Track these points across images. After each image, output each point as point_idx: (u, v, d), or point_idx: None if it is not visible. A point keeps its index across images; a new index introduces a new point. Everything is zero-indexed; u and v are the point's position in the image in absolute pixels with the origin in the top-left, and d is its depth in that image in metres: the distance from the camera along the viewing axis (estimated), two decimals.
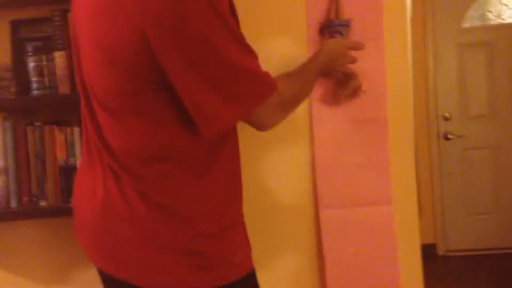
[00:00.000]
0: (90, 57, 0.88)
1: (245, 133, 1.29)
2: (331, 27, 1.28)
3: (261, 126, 0.92)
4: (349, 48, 1.15)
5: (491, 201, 3.50)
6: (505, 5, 3.39)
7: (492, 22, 3.42)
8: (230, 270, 0.91)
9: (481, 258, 3.41)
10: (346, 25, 1.27)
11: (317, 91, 1.29)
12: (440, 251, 3.53)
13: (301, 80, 1.01)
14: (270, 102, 0.87)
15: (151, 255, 0.88)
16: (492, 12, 3.41)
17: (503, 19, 3.40)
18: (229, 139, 0.95)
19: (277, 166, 1.33)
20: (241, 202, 0.98)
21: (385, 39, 1.29)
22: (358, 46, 1.16)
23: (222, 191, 0.92)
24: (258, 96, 0.86)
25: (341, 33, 1.28)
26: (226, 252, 0.91)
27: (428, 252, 3.48)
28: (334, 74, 1.16)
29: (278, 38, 1.32)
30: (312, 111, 1.30)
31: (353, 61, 1.15)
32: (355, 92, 1.24)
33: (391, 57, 1.30)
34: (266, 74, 0.87)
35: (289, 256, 1.34)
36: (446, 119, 3.49)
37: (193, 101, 0.81)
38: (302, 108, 1.30)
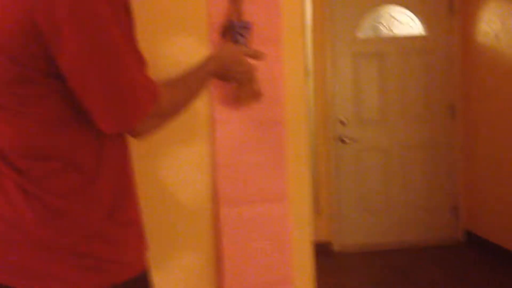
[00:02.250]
0: None
1: None
2: (232, 29, 1.30)
3: (135, 134, 0.90)
4: (246, 55, 1.14)
5: (382, 199, 3.78)
6: (395, 19, 3.69)
7: (383, 34, 3.69)
8: (121, 270, 0.89)
9: (374, 253, 3.66)
10: (247, 27, 1.30)
11: (218, 92, 1.31)
12: (336, 248, 3.74)
13: (184, 89, 0.98)
14: (150, 113, 0.85)
15: (38, 259, 0.83)
16: (383, 24, 3.69)
17: (393, 32, 3.69)
18: (120, 138, 0.92)
19: (177, 166, 1.33)
20: (134, 202, 0.95)
21: (284, 43, 1.34)
22: (256, 55, 1.16)
23: (111, 192, 0.89)
24: (138, 111, 0.83)
25: (243, 36, 1.31)
26: (117, 252, 0.88)
27: (325, 249, 3.68)
28: (232, 80, 1.16)
29: (178, 38, 1.31)
30: (213, 112, 1.32)
31: (250, 69, 1.15)
32: (255, 95, 1.28)
33: (289, 61, 1.35)
34: (150, 85, 0.85)
35: (187, 255, 1.34)
36: (342, 123, 3.71)
37: (83, 99, 0.80)
38: (202, 108, 1.31)
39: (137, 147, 1.23)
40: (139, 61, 0.84)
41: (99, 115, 0.81)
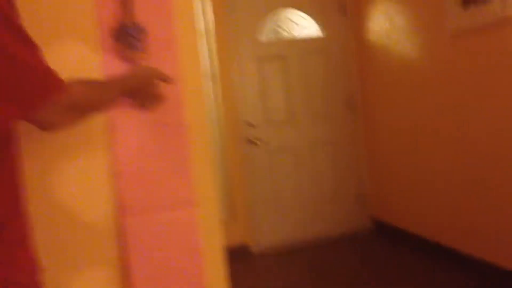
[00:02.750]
0: None
1: (40, 140, 1.17)
2: (125, 32, 1.25)
3: (46, 127, 0.85)
4: (159, 78, 1.17)
5: (295, 198, 3.87)
6: (293, 21, 3.81)
7: (284, 37, 3.80)
8: None
9: (291, 252, 3.73)
10: (141, 30, 1.25)
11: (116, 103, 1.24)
12: (254, 250, 3.76)
13: (102, 91, 0.98)
14: (58, 102, 0.81)
15: None
16: (283, 27, 3.80)
17: (293, 34, 3.82)
18: (7, 152, 0.84)
19: (75, 178, 1.24)
20: (22, 222, 0.87)
21: (179, 46, 1.31)
22: (169, 80, 1.19)
23: None
24: (40, 95, 0.79)
25: (138, 39, 1.26)
26: (6, 274, 0.80)
27: (243, 252, 3.69)
28: (138, 99, 1.18)
29: (69, 45, 1.23)
30: (111, 118, 1.25)
31: (158, 93, 1.20)
32: (155, 100, 1.24)
33: (186, 64, 1.32)
34: (50, 72, 0.81)
35: (92, 271, 1.25)
36: (252, 126, 3.75)
37: None
38: (99, 115, 1.24)
39: (30, 160, 1.14)
40: (34, 48, 0.80)
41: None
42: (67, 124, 0.89)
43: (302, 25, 3.84)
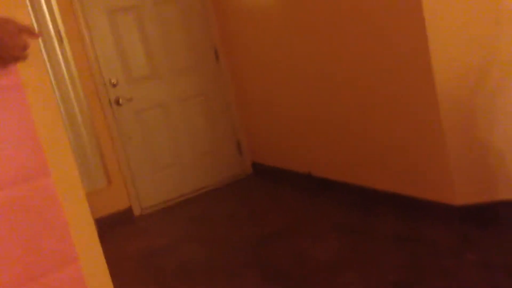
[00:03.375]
0: None
1: None
2: None
3: None
4: (22, 30, 1.03)
5: (170, 154, 3.80)
6: None
7: None
8: None
9: (174, 207, 3.70)
10: None
11: None
12: (137, 212, 3.66)
13: None
14: None
15: None
16: None
17: None
18: None
19: None
20: None
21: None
22: (34, 34, 1.06)
23: None
24: None
25: None
26: None
27: (126, 216, 3.57)
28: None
29: None
30: None
31: (26, 47, 1.04)
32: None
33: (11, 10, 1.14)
34: None
35: None
36: (114, 85, 3.53)
37: None
38: None
39: None
40: None
41: None
42: None
43: None
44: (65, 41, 3.27)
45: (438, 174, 2.35)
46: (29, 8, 3.04)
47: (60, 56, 3.24)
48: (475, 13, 2.11)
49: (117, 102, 3.54)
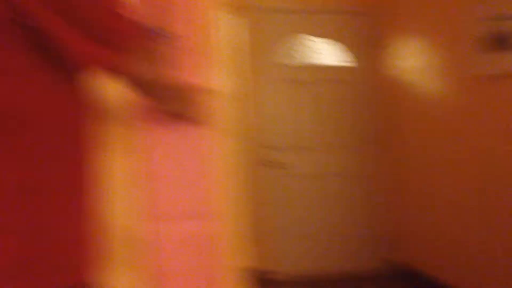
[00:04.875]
0: None
1: None
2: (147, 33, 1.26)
3: (118, 73, 0.89)
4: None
5: (304, 225, 3.78)
6: (325, 50, 3.84)
7: (314, 62, 3.82)
8: None
9: (312, 282, 3.64)
10: (165, 36, 1.27)
11: (149, 105, 1.28)
12: (273, 276, 3.68)
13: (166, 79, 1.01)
14: (137, 49, 0.86)
15: None
16: (314, 54, 3.81)
17: (324, 61, 3.84)
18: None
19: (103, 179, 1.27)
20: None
21: (212, 62, 1.35)
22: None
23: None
24: (126, 38, 0.84)
25: (155, 41, 1.27)
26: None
27: (261, 277, 3.61)
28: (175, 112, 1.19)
29: None
30: (141, 124, 1.28)
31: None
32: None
33: (215, 79, 1.35)
34: (133, 19, 0.87)
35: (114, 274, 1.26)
36: (271, 148, 3.73)
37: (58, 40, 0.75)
38: (123, 118, 1.26)
39: None
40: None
41: (82, 44, 0.76)
42: (143, 81, 0.91)
43: (333, 53, 3.86)
44: (244, 101, 3.60)
45: None
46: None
47: (237, 114, 3.57)
48: None
49: (271, 166, 3.73)
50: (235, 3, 1.35)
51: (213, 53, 1.35)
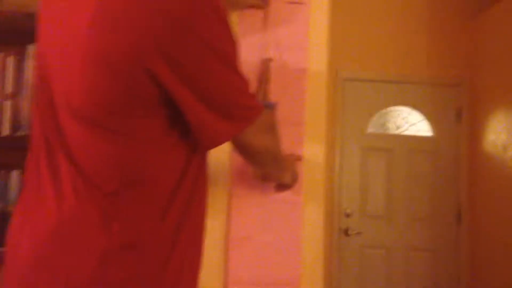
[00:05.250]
0: (73, 62, 0.81)
1: None
2: None
3: (242, 147, 0.94)
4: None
5: None
6: (404, 119, 3.79)
7: (392, 131, 3.78)
8: None
9: None
10: (271, 107, 1.33)
11: (237, 166, 1.31)
12: None
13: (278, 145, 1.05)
14: (256, 123, 0.89)
15: None
16: (393, 123, 3.79)
17: (401, 130, 3.78)
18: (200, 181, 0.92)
19: None
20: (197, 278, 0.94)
21: (306, 127, 1.37)
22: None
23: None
24: (249, 115, 0.87)
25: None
26: None
27: None
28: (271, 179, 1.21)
29: None
30: (232, 185, 1.31)
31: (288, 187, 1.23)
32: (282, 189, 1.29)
33: (309, 144, 1.37)
34: (255, 96, 0.91)
35: None
36: (347, 215, 3.66)
37: (195, 115, 0.81)
38: (221, 181, 1.30)
39: None
40: (244, 76, 0.88)
41: (212, 123, 0.82)
42: (256, 150, 0.95)
43: (413, 123, 3.80)
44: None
45: None
46: None
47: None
48: None
49: (346, 233, 3.63)
50: (328, 75, 1.37)
51: (307, 122, 1.36)
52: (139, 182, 0.81)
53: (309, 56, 1.37)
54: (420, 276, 3.67)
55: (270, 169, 1.13)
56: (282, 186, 1.22)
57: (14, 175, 1.15)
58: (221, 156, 1.31)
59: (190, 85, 0.78)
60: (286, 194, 1.31)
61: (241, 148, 0.95)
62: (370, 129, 3.78)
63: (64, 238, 0.79)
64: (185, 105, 0.80)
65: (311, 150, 1.36)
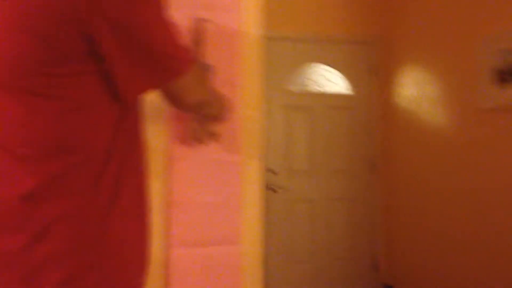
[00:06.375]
0: None
1: None
2: None
3: (174, 99, 0.93)
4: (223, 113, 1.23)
5: (307, 249, 3.84)
6: (324, 76, 3.93)
7: (313, 89, 3.91)
8: None
9: None
10: (208, 69, 1.32)
11: (176, 129, 1.30)
12: None
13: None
14: (189, 73, 0.88)
15: None
16: (313, 81, 3.91)
17: (322, 89, 3.93)
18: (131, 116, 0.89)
19: None
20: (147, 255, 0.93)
21: (241, 87, 1.38)
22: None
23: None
24: (180, 64, 0.86)
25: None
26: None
27: None
28: (205, 113, 1.19)
29: None
30: (169, 149, 1.30)
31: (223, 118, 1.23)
32: (212, 135, 1.30)
33: (246, 105, 1.39)
34: (184, 43, 0.89)
35: None
36: (274, 173, 3.79)
37: (118, 63, 0.78)
38: (159, 145, 1.29)
39: None
40: (174, 28, 0.86)
41: (138, 72, 0.80)
42: (189, 105, 0.95)
43: (332, 81, 3.95)
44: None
45: None
46: None
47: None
48: None
49: (273, 189, 3.76)
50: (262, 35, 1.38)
51: (241, 80, 1.37)
52: (68, 148, 0.77)
53: (242, 16, 1.37)
54: (339, 225, 3.92)
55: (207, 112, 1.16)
56: (209, 117, 1.23)
57: None
58: (157, 119, 1.29)
59: (116, 33, 0.75)
60: (224, 154, 1.34)
61: (174, 102, 0.96)
62: (291, 87, 3.87)
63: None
64: (110, 54, 0.77)
65: (247, 110, 1.39)
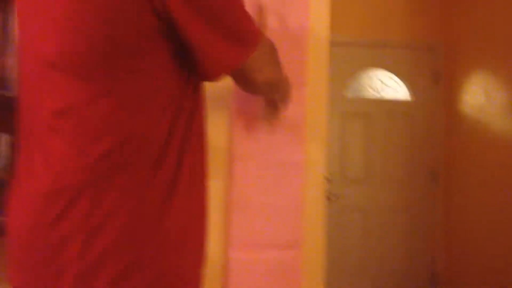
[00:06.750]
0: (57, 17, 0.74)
1: None
2: None
3: (251, 80, 0.89)
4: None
5: (359, 262, 3.71)
6: (383, 82, 3.81)
7: (370, 96, 3.80)
8: None
9: None
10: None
11: (239, 128, 1.27)
12: None
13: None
14: (259, 54, 0.85)
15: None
16: (371, 87, 3.80)
17: (380, 94, 3.81)
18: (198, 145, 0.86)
19: None
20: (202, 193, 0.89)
21: (308, 87, 1.33)
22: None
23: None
24: (254, 39, 0.84)
25: None
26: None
27: None
28: (273, 97, 1.16)
29: None
30: (232, 147, 1.27)
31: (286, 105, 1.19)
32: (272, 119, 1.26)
33: (311, 105, 1.34)
34: (255, 22, 0.86)
35: None
36: (328, 180, 3.70)
37: (198, 42, 0.77)
38: (221, 144, 1.27)
39: None
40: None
41: (212, 51, 0.78)
42: (260, 85, 0.92)
43: (391, 87, 3.82)
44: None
45: None
46: None
47: None
48: None
49: (328, 198, 3.68)
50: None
51: (308, 83, 1.32)
52: (130, 138, 0.74)
53: (311, 14, 1.33)
54: (394, 236, 3.77)
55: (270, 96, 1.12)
56: (271, 105, 1.19)
57: (3, 139, 1.07)
58: (220, 117, 1.27)
59: (195, 8, 0.74)
60: (287, 155, 1.29)
61: (245, 84, 0.93)
62: (348, 94, 3.78)
63: (57, 206, 0.75)
64: (190, 30, 0.75)
65: (312, 112, 1.34)
